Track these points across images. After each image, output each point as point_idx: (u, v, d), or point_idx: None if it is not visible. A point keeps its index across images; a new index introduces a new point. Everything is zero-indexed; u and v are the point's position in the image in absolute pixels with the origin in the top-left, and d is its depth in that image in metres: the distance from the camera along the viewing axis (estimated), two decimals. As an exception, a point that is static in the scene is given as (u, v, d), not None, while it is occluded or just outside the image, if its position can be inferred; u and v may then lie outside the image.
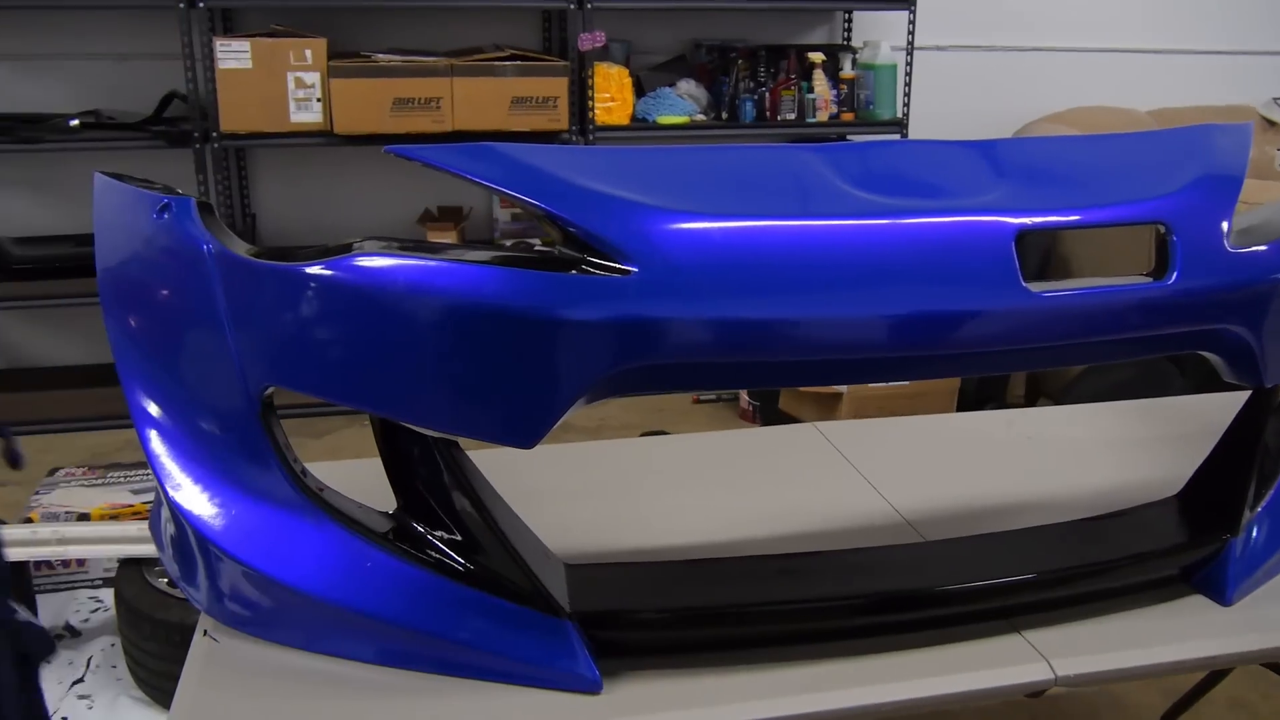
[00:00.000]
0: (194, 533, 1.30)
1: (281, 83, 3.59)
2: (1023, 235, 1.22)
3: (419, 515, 1.29)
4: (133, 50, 3.99)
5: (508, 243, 4.22)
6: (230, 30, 3.94)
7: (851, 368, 1.20)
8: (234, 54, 3.56)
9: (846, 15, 4.48)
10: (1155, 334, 1.32)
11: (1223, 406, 2.07)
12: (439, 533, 1.28)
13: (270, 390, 1.30)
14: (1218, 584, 1.40)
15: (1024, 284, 1.20)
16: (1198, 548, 1.42)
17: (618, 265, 1.13)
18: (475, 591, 1.24)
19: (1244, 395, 2.13)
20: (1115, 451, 1.85)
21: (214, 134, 3.66)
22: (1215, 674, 2.11)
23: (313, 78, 3.62)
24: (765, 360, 1.17)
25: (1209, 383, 2.54)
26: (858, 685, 1.22)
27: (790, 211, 1.19)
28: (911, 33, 4.14)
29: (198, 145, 3.71)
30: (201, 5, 3.61)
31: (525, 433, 1.16)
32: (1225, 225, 1.32)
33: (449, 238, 4.04)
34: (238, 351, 1.27)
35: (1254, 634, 1.35)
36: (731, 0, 4.05)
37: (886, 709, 1.21)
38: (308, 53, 3.60)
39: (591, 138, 3.91)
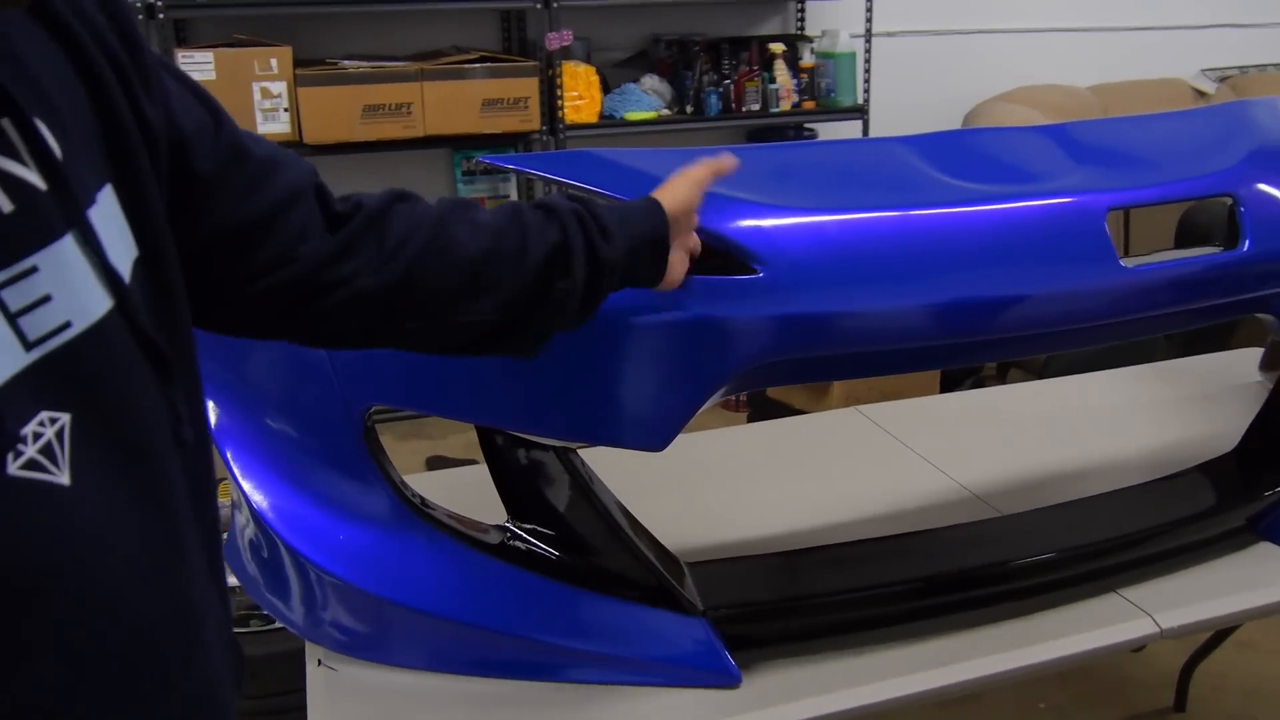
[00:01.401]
0: (300, 560, 1.28)
1: (247, 93, 3.52)
2: (1111, 213, 1.28)
3: (537, 523, 1.29)
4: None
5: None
6: (184, 41, 3.85)
7: (972, 349, 1.24)
8: (197, 65, 3.48)
9: (799, 5, 4.54)
10: (1226, 300, 1.39)
11: (1232, 364, 2.18)
12: (560, 540, 1.28)
13: (372, 409, 1.30)
14: (1284, 532, 1.48)
15: (1120, 260, 1.25)
16: (1262, 498, 1.50)
17: (744, 265, 1.15)
18: (607, 597, 1.25)
19: (1247, 351, 2.24)
20: (1149, 414, 1.92)
21: (178, 150, 3.58)
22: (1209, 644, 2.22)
23: (279, 87, 3.56)
24: (891, 348, 1.20)
25: (1191, 347, 2.66)
26: (978, 656, 1.26)
27: (898, 202, 1.22)
28: (869, 20, 4.22)
29: (162, 163, 3.62)
30: (161, 16, 3.53)
31: (658, 436, 1.18)
32: (1281, 194, 1.39)
33: (420, 244, 4.00)
34: (338, 373, 1.27)
35: (1329, 576, 1.43)
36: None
37: (1015, 675, 1.26)
38: (273, 62, 3.54)
39: (562, 137, 3.91)
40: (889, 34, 4.56)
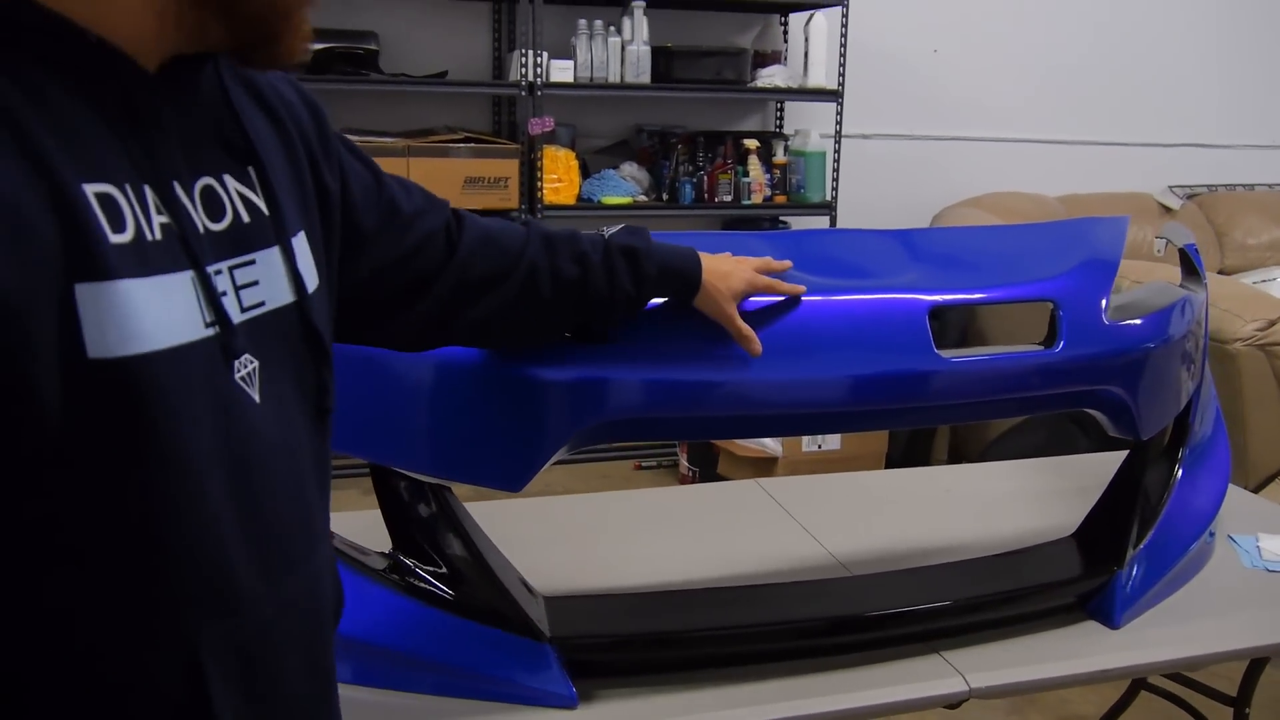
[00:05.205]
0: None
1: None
2: (935, 311, 1.45)
3: (413, 553, 1.45)
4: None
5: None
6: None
7: (790, 421, 1.41)
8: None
9: (779, 105, 4.79)
10: (1046, 394, 1.55)
11: (1114, 461, 2.33)
12: (432, 568, 1.44)
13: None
14: (1107, 610, 1.62)
15: (936, 351, 1.42)
16: (1090, 579, 1.64)
17: (600, 334, 1.33)
18: (466, 621, 1.41)
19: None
20: (1021, 501, 2.07)
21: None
22: (1117, 706, 2.33)
23: (275, 157, 3.80)
24: (720, 415, 1.37)
25: (1109, 443, 2.82)
26: (801, 698, 1.41)
27: (740, 289, 1.40)
28: (839, 122, 4.46)
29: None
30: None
31: (515, 478, 1.35)
32: (1104, 302, 1.56)
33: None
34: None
35: (1139, 650, 1.56)
36: (671, 90, 4.32)
37: (830, 719, 1.40)
38: (271, 133, 3.78)
39: (540, 216, 4.13)
40: (863, 136, 4.80)
